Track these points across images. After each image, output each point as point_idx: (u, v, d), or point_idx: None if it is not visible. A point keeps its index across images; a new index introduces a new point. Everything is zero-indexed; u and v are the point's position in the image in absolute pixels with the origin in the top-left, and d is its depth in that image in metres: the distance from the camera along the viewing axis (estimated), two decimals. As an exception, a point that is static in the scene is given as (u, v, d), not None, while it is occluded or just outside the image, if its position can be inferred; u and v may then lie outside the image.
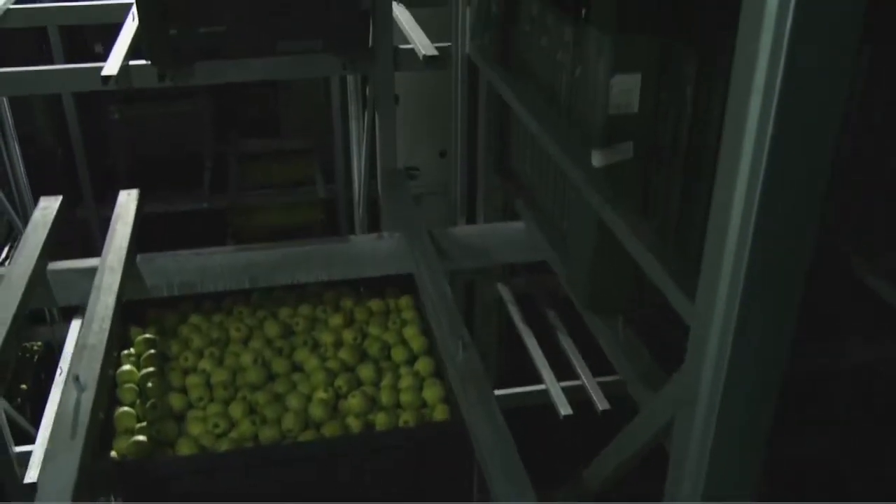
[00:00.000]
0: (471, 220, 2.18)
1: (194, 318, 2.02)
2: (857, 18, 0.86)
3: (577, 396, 2.16)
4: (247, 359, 1.89)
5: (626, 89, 1.43)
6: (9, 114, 4.02)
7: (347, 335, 1.97)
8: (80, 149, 4.96)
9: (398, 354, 1.94)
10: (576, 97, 1.56)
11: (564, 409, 2.22)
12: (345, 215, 5.31)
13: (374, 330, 1.99)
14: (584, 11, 1.49)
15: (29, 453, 2.62)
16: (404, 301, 2.07)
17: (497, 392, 2.73)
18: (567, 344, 2.24)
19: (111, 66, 2.69)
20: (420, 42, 2.94)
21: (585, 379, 2.11)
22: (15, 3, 3.56)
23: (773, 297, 0.99)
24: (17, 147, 3.95)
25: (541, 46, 1.72)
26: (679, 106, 1.48)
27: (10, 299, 1.71)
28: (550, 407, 2.26)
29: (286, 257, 1.88)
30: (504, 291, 2.58)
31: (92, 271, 1.82)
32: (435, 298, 1.73)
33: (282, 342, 1.97)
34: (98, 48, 4.50)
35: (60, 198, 2.04)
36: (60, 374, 3.67)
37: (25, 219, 4.11)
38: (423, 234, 1.94)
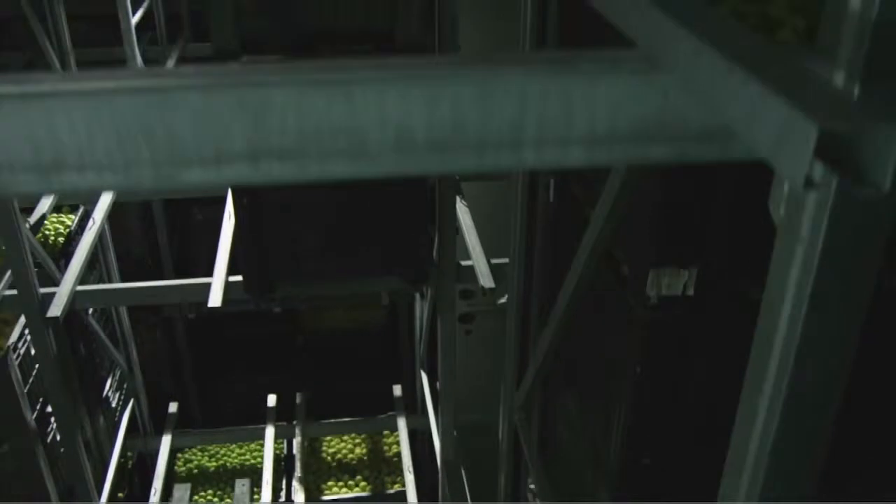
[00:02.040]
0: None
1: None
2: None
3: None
4: None
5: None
6: (114, 258, 4.52)
7: None
8: (166, 253, 5.51)
9: None
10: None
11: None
12: (406, 322, 5.70)
13: None
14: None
15: None
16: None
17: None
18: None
19: (215, 298, 3.22)
20: (481, 269, 3.32)
21: None
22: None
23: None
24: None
25: (569, 446, 2.16)
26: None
27: None
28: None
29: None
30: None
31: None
32: None
33: None
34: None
35: (189, 486, 2.54)
36: (155, 493, 4.24)
37: (127, 352, 4.66)
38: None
